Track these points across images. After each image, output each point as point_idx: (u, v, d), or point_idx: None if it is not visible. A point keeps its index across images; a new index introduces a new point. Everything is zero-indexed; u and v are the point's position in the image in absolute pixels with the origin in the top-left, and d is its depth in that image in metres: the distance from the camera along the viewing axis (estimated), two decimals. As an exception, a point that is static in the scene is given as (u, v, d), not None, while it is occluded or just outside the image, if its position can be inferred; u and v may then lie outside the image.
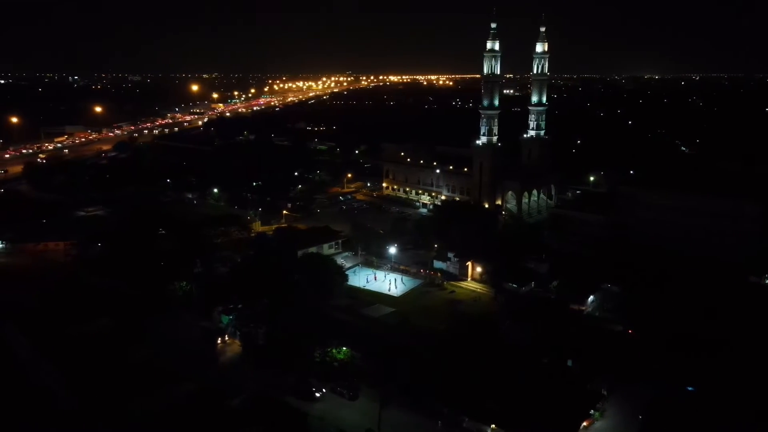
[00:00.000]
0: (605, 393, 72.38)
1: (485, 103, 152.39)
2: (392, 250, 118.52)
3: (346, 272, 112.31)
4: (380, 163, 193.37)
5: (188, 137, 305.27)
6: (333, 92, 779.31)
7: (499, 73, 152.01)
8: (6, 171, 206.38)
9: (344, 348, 74.99)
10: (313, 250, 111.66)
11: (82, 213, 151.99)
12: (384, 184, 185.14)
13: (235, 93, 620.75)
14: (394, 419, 67.85)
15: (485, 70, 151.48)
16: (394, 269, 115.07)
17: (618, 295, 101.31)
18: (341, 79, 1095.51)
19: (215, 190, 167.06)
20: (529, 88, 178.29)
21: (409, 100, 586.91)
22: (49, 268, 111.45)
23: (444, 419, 67.38)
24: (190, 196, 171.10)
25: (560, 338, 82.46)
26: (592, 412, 68.23)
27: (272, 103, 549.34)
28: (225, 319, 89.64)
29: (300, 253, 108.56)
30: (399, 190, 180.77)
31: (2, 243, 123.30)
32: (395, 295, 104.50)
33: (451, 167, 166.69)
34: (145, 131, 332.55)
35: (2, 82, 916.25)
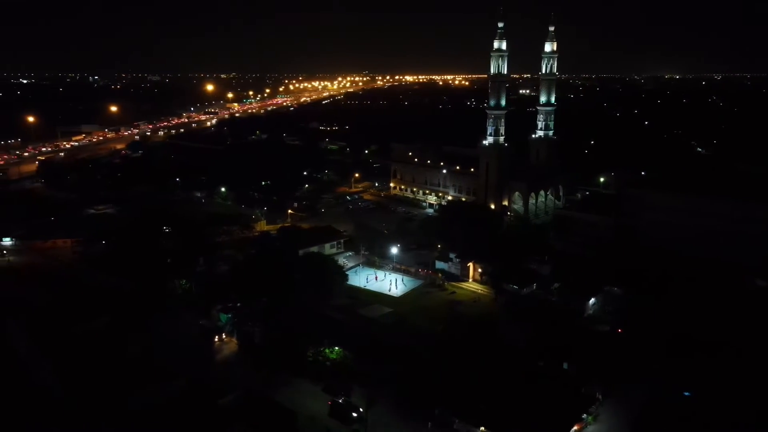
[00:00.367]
0: (600, 397, 71.47)
1: (492, 102, 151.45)
2: (395, 250, 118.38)
3: (348, 272, 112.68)
4: (388, 163, 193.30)
5: (201, 136, 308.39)
6: (348, 92, 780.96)
7: (506, 72, 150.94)
8: (20, 169, 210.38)
9: (336, 348, 75.02)
10: (314, 249, 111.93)
11: (93, 211, 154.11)
12: (391, 184, 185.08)
13: (250, 93, 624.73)
14: (384, 419, 67.72)
15: (492, 70, 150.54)
16: (395, 269, 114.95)
17: (621, 298, 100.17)
18: (356, 79, 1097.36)
19: (222, 189, 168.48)
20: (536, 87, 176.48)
21: (424, 100, 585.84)
22: (55, 265, 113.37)
23: (435, 420, 67.10)
24: (198, 195, 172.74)
25: (557, 341, 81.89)
26: (584, 416, 67.40)
27: (285, 103, 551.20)
28: (224, 317, 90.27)
29: (301, 252, 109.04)
30: (406, 190, 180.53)
31: (12, 240, 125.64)
32: (395, 295, 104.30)
33: (457, 167, 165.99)
34: (161, 132, 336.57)
35: (25, 82, 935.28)
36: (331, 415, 68.14)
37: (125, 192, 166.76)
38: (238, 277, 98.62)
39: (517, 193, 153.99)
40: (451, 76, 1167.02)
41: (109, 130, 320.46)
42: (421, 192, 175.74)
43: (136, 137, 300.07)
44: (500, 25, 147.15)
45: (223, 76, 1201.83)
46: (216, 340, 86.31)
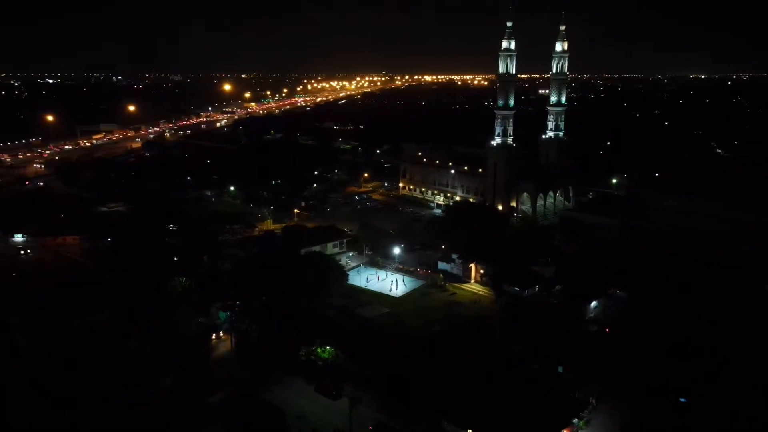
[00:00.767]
0: (594, 402, 70.45)
1: (500, 103, 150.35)
2: (398, 250, 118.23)
3: (350, 272, 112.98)
4: (398, 163, 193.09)
5: (216, 136, 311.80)
6: (365, 92, 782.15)
7: (514, 72, 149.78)
8: (42, 166, 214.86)
9: (328, 347, 75.12)
10: (316, 248, 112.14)
11: (105, 209, 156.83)
12: (401, 184, 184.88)
13: (267, 93, 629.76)
14: (372, 420, 67.71)
15: (500, 70, 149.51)
16: (398, 270, 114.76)
17: (624, 301, 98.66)
18: (375, 78, 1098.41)
19: (231, 188, 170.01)
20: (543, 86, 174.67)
21: (442, 100, 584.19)
22: (63, 261, 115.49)
23: (424, 421, 66.82)
24: (209, 193, 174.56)
25: (554, 343, 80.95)
26: (575, 420, 66.46)
27: (300, 103, 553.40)
28: (222, 315, 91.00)
29: (303, 251, 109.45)
30: (415, 191, 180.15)
31: (24, 237, 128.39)
32: (395, 295, 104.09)
33: (465, 168, 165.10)
34: (180, 131, 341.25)
35: (51, 81, 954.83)
36: (318, 390, 70.70)
37: (137, 190, 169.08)
38: (238, 275, 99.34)
39: (525, 193, 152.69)
40: (471, 76, 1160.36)
41: (129, 129, 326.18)
42: (429, 192, 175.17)
43: (151, 136, 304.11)
44: (509, 24, 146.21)
45: (244, 75, 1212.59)
46: (213, 337, 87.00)
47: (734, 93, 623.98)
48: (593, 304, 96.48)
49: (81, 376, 68.16)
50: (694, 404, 69.02)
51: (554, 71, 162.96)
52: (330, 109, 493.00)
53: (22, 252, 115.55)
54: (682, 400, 69.56)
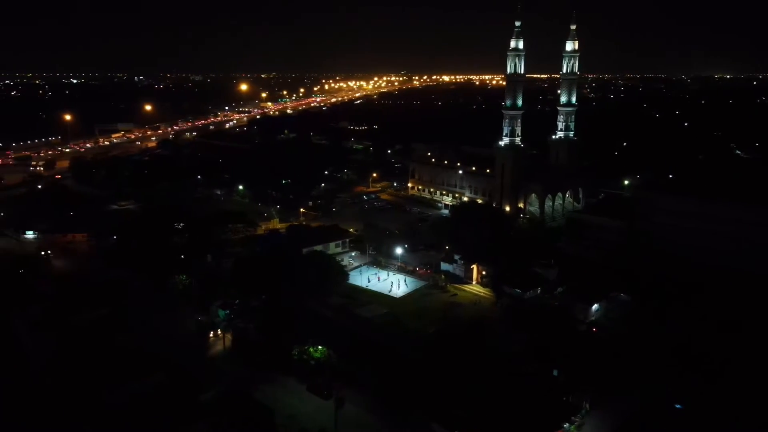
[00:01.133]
0: (587, 406, 69.45)
1: (508, 102, 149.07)
2: (402, 250, 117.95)
3: (352, 271, 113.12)
4: (407, 163, 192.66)
5: (230, 135, 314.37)
6: (382, 92, 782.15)
7: (522, 72, 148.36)
8: (55, 166, 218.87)
9: (320, 347, 75.16)
10: (318, 248, 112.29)
11: (116, 207, 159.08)
12: (409, 184, 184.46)
13: (284, 93, 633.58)
14: (361, 420, 67.66)
15: (508, 69, 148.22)
16: (400, 270, 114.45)
17: (627, 304, 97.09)
18: (393, 78, 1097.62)
19: (240, 187, 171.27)
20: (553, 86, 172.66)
21: (458, 100, 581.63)
22: (70, 258, 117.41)
23: (414, 423, 66.52)
24: (218, 192, 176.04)
25: (551, 346, 79.94)
26: (566, 425, 65.57)
27: (313, 104, 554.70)
28: (221, 313, 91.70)
29: (305, 250, 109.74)
30: (424, 191, 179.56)
31: (35, 234, 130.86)
32: (395, 295, 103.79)
33: (473, 168, 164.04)
34: (195, 131, 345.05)
35: (75, 81, 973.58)
36: (310, 390, 71.09)
37: (148, 189, 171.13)
38: (238, 273, 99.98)
39: (533, 194, 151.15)
40: (490, 76, 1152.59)
41: (148, 128, 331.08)
42: (438, 193, 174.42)
43: (171, 135, 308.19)
44: (517, 24, 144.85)
45: (263, 75, 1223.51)
46: (211, 335, 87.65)
47: (759, 93, 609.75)
48: (594, 307, 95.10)
49: (76, 371, 69.02)
50: (690, 411, 67.57)
51: (565, 71, 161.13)
52: (346, 109, 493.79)
53: (43, 253, 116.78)
54: (678, 406, 68.14)
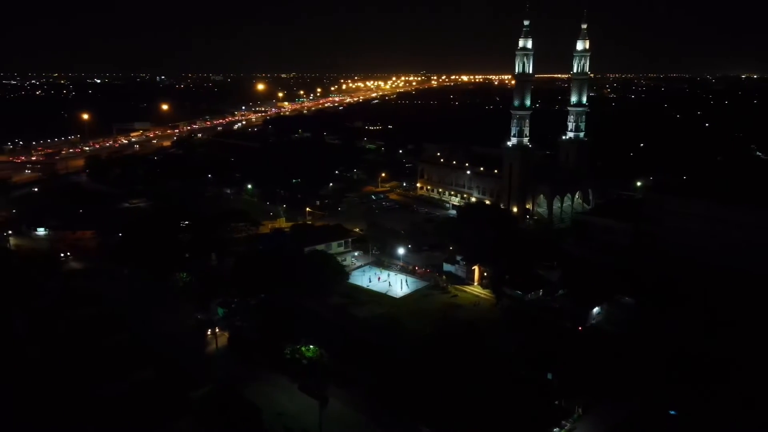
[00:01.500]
0: (580, 411, 68.42)
1: (516, 103, 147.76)
2: (406, 250, 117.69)
3: (354, 271, 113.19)
4: (417, 163, 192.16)
5: (245, 134, 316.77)
6: (399, 92, 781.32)
7: (531, 71, 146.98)
8: (68, 164, 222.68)
9: (312, 346, 75.23)
10: (320, 247, 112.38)
11: (127, 205, 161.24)
12: (418, 185, 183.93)
13: (301, 92, 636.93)
14: (350, 419, 67.63)
15: (517, 69, 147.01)
16: (403, 270, 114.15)
17: (631, 308, 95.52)
18: (410, 78, 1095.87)
19: (249, 186, 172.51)
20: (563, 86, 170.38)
21: (476, 100, 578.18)
22: (78, 255, 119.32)
23: (403, 424, 66.21)
24: (228, 191, 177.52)
25: (547, 349, 78.97)
26: (556, 430, 64.70)
27: (326, 104, 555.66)
28: (221, 311, 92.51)
29: (307, 249, 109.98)
30: (433, 191, 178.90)
31: (45, 230, 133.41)
32: (395, 296, 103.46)
33: (481, 168, 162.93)
34: (211, 130, 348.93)
35: (98, 81, 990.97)
36: (301, 389, 70.91)
37: (159, 187, 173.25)
38: (239, 272, 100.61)
39: (541, 196, 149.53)
40: (509, 76, 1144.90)
41: (167, 127, 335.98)
42: (447, 193, 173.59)
43: (186, 134, 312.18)
44: (526, 23, 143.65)
45: (283, 75, 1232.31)
46: (209, 333, 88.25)
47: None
48: (596, 310, 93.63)
49: (64, 367, 70.07)
50: (685, 418, 66.12)
51: (575, 71, 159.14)
52: (362, 109, 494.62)
53: (62, 256, 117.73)
54: (672, 413, 66.71)
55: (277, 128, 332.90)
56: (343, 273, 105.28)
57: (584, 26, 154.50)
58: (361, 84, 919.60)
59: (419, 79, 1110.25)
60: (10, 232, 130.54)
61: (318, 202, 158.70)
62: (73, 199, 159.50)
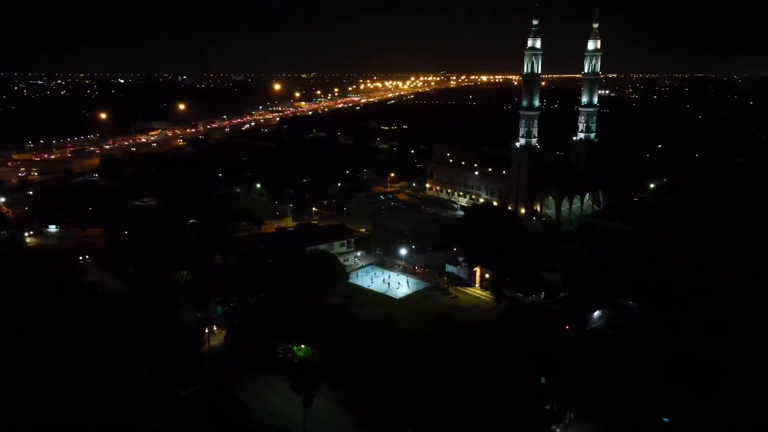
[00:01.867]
0: (571, 416, 67.32)
1: (524, 103, 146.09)
2: (410, 251, 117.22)
3: (357, 271, 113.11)
4: (426, 163, 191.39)
5: (259, 134, 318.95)
6: (417, 92, 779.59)
7: (539, 71, 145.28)
8: (83, 163, 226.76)
9: (303, 346, 75.23)
10: (322, 247, 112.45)
11: (138, 203, 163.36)
12: (427, 185, 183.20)
13: (319, 92, 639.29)
14: (338, 419, 67.59)
15: (525, 69, 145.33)
16: (405, 271, 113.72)
17: (634, 312, 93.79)
18: (429, 78, 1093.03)
19: (258, 185, 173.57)
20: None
21: (493, 101, 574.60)
22: (86, 251, 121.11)
23: (392, 426, 65.89)
24: (238, 190, 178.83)
25: (543, 353, 77.90)
26: (544, 434, 63.78)
27: (340, 105, 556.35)
28: (220, 309, 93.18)
29: (309, 249, 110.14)
30: (442, 191, 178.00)
31: (56, 228, 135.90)
32: (395, 296, 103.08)
33: (489, 169, 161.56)
34: (228, 129, 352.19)
35: (122, 81, 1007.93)
36: (293, 388, 69.45)
37: (170, 186, 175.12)
38: (240, 271, 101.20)
39: (550, 197, 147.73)
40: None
41: (186, 126, 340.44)
42: (455, 194, 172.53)
43: (200, 134, 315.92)
44: (535, 22, 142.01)
45: (303, 75, 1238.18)
46: (206, 331, 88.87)
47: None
48: (597, 313, 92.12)
49: (62, 362, 71.14)
50: (678, 426, 64.60)
51: (586, 70, 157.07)
52: (379, 109, 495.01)
53: (82, 259, 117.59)
54: (666, 420, 65.22)
55: (291, 128, 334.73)
56: (344, 273, 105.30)
57: (595, 25, 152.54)
58: (379, 84, 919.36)
59: (438, 79, 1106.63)
60: (30, 232, 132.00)
61: (325, 202, 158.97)
62: (86, 198, 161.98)
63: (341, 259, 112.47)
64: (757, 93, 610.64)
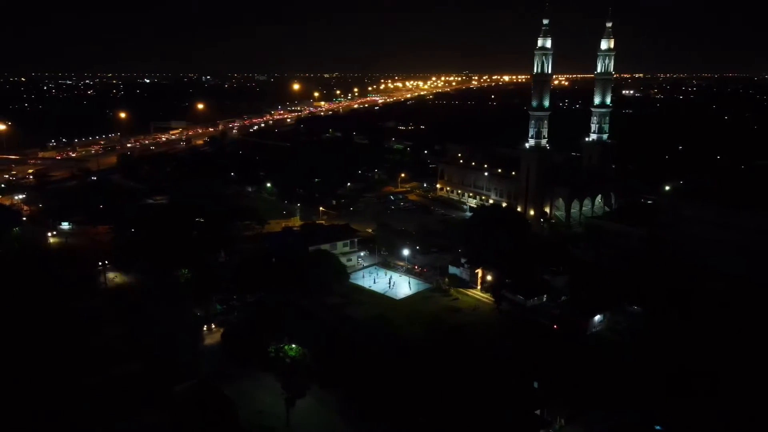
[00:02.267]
0: (562, 422, 66.25)
1: (534, 103, 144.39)
2: (415, 252, 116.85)
3: (360, 271, 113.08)
4: (438, 163, 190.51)
5: (275, 134, 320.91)
6: (438, 92, 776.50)
7: (549, 71, 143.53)
8: (99, 161, 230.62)
9: (294, 345, 75.36)
10: (325, 247, 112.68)
11: (151, 201, 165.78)
12: (438, 185, 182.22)
13: (338, 92, 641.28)
14: (325, 419, 67.70)
15: (535, 69, 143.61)
16: (408, 271, 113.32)
17: (637, 317, 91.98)
18: (450, 78, 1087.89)
19: (268, 185, 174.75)
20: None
21: (514, 101, 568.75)
22: (94, 248, 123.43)
23: (378, 427, 65.68)
24: (249, 189, 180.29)
25: (537, 357, 76.96)
26: (531, 440, 62.83)
27: (363, 103, 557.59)
28: (219, 308, 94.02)
29: (312, 249, 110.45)
30: (452, 192, 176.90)
31: (69, 225, 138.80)
32: (396, 297, 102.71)
33: (499, 170, 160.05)
34: (248, 128, 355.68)
35: (147, 81, 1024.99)
36: (284, 388, 69.85)
37: (183, 184, 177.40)
38: (241, 269, 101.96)
39: (560, 199, 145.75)
40: (553, 76, 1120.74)
41: (209, 125, 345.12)
42: (465, 194, 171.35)
43: (217, 133, 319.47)
44: (545, 22, 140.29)
45: (326, 75, 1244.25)
46: (204, 328, 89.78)
47: None
48: (597, 317, 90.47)
49: (57, 358, 72.49)
50: (671, 433, 63.13)
51: (599, 70, 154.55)
52: (397, 109, 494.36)
53: (100, 265, 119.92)
54: (658, 428, 63.69)
55: (309, 128, 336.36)
56: (344, 273, 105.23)
57: (609, 24, 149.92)
58: (400, 84, 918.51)
59: (460, 79, 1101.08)
60: (53, 232, 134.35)
61: (334, 202, 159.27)
62: (100, 195, 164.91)
63: (344, 259, 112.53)
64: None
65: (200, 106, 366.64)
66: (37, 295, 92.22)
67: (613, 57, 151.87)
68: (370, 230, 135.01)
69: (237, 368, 78.14)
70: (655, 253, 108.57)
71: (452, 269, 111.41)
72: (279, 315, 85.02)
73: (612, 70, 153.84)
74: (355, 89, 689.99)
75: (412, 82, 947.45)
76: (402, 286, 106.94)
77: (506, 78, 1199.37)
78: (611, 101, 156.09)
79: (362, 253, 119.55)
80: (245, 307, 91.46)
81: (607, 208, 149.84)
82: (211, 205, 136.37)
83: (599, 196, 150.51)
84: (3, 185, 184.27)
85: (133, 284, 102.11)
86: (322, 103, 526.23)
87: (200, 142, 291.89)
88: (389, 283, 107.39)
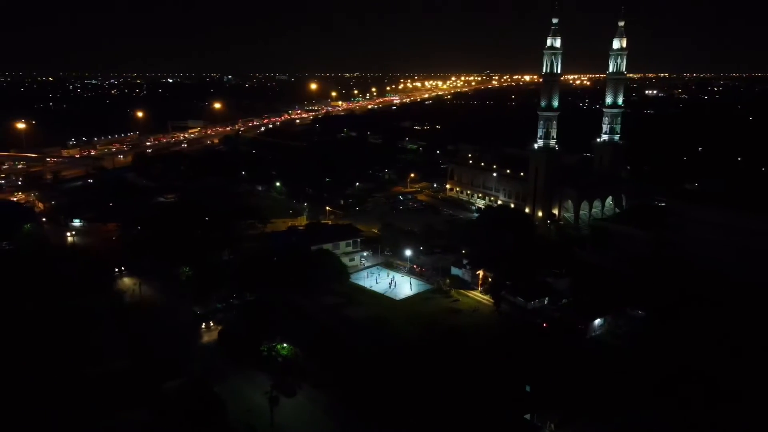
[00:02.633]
0: (552, 427, 65.14)
1: (543, 103, 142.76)
2: (419, 252, 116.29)
3: (361, 271, 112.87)
4: (448, 164, 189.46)
5: (290, 133, 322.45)
6: (457, 92, 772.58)
7: (559, 71, 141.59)
8: (115, 160, 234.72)
9: (286, 344, 75.58)
10: (328, 247, 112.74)
11: (162, 199, 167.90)
12: (447, 186, 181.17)
13: (356, 92, 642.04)
14: (314, 419, 67.52)
15: (544, 69, 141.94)
16: (411, 272, 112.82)
17: (640, 321, 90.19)
18: (470, 78, 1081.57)
19: (278, 184, 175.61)
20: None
21: (533, 101, 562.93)
22: (102, 245, 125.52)
23: (369, 428, 65.45)
24: (259, 188, 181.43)
25: (533, 360, 75.97)
26: (518, 445, 61.95)
27: (370, 106, 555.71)
28: (219, 306, 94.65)
29: (314, 248, 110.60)
30: (461, 192, 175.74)
31: (80, 222, 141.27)
32: (396, 298, 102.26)
33: (507, 171, 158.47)
34: (264, 128, 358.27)
35: (170, 81, 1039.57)
36: (274, 387, 69.82)
37: (194, 182, 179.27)
38: (243, 268, 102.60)
39: (569, 200, 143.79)
40: (575, 76, 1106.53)
41: (227, 124, 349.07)
42: (474, 195, 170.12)
43: (233, 132, 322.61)
44: (554, 21, 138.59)
45: (347, 75, 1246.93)
46: (203, 326, 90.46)
47: None
48: (598, 321, 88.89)
49: (52, 353, 73.68)
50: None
51: (611, 70, 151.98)
52: (415, 108, 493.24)
53: (116, 271, 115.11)
54: (650, 436, 62.33)
55: (324, 127, 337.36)
56: (345, 273, 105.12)
57: (621, 23, 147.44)
58: (418, 84, 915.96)
59: (480, 78, 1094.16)
60: (72, 233, 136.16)
61: (342, 202, 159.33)
62: (113, 193, 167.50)
63: (347, 259, 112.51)
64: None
65: (217, 105, 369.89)
66: (42, 291, 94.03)
67: (625, 56, 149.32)
68: (375, 230, 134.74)
69: (231, 366, 78.40)
70: (660, 255, 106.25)
71: (454, 270, 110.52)
72: (273, 314, 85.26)
73: (624, 69, 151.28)
74: (373, 89, 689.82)
75: (431, 82, 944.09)
76: (403, 286, 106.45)
77: (527, 78, 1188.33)
78: (624, 101, 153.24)
79: (365, 253, 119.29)
80: (244, 305, 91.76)
81: (617, 210, 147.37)
82: (219, 204, 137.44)
83: (610, 197, 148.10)
84: (19, 182, 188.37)
85: (140, 281, 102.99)
86: (340, 102, 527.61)
87: (216, 140, 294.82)
88: (390, 283, 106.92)
